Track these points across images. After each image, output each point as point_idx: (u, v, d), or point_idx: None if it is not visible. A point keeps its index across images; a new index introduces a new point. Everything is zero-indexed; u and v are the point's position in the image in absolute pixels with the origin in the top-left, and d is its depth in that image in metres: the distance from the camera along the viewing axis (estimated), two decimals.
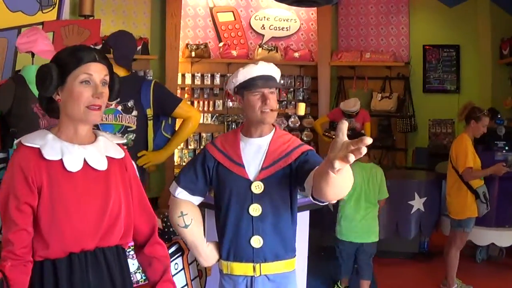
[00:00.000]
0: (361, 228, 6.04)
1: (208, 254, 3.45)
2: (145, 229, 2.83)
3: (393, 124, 10.91)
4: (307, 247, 4.91)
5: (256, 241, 3.29)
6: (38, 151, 2.46)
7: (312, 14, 11.35)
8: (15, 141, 2.52)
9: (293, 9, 11.17)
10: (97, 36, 7.03)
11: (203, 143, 10.80)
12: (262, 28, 11.31)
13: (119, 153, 2.69)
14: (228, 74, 10.76)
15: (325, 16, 11.09)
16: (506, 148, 7.25)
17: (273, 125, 3.44)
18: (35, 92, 4.20)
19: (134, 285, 3.85)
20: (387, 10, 11.23)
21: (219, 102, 10.93)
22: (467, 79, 10.69)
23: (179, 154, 10.85)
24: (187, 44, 10.75)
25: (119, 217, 2.59)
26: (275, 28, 11.32)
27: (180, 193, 3.42)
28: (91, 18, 8.98)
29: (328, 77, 11.14)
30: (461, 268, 6.54)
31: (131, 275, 3.80)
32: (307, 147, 3.35)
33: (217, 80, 10.87)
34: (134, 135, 4.83)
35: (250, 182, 3.30)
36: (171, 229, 4.31)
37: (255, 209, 3.28)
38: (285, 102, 10.95)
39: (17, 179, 2.42)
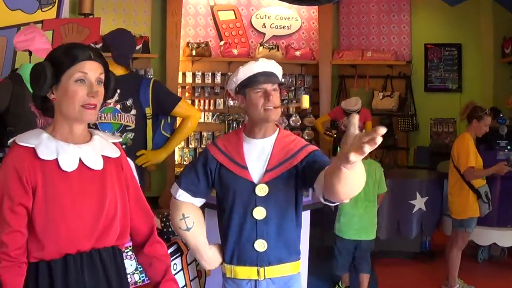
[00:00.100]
0: (360, 225, 6.02)
1: (210, 257, 3.39)
2: (143, 229, 2.79)
3: (395, 123, 10.90)
4: (308, 247, 4.88)
5: (260, 245, 3.22)
6: (33, 151, 2.42)
7: (313, 12, 11.34)
8: (9, 141, 2.48)
9: (294, 7, 11.16)
10: (96, 34, 7.00)
11: (204, 142, 10.79)
12: (263, 26, 11.29)
13: (115, 152, 2.65)
14: (229, 73, 10.76)
15: (327, 14, 11.08)
16: (508, 147, 7.22)
17: (277, 125, 3.37)
18: None
19: (132, 286, 3.84)
20: (389, 8, 11.22)
21: (220, 101, 10.91)
22: (469, 78, 10.68)
23: (180, 153, 10.84)
24: (187, 43, 10.73)
25: (115, 218, 2.55)
26: (276, 27, 11.31)
27: (182, 195, 3.34)
28: (90, 16, 8.96)
29: (329, 75, 11.15)
30: (463, 268, 6.51)
31: (129, 276, 3.79)
32: (313, 147, 3.28)
33: (218, 79, 10.86)
34: (133, 134, 4.80)
35: (254, 185, 3.22)
36: (170, 229, 4.29)
37: (259, 212, 3.21)
38: (286, 100, 10.94)
39: (11, 179, 2.38)
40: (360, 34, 11.43)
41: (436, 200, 7.52)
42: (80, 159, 2.49)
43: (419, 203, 7.36)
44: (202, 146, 10.73)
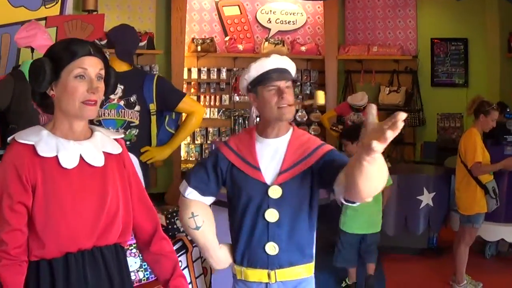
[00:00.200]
0: (365, 219, 6.02)
1: (220, 257, 3.29)
2: (147, 226, 2.75)
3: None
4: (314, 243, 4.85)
5: (271, 248, 3.14)
6: (32, 148, 2.39)
7: (318, 7, 11.30)
8: (9, 138, 2.46)
9: (299, 2, 11.16)
10: (101, 31, 6.98)
11: (210, 138, 10.77)
12: (268, 22, 11.24)
13: (117, 149, 2.62)
14: (235, 69, 10.75)
15: (332, 9, 11.03)
16: None
17: (290, 124, 3.27)
18: None
19: (137, 284, 3.81)
20: (394, 3, 11.16)
21: (225, 97, 10.88)
22: (476, 72, 10.62)
23: (186, 149, 10.82)
24: (193, 39, 10.70)
25: (117, 215, 2.52)
26: (281, 22, 11.26)
27: (191, 193, 3.24)
28: (94, 13, 8.93)
29: (335, 71, 11.10)
30: (470, 264, 6.46)
31: (134, 274, 3.76)
32: (329, 146, 3.18)
33: (224, 75, 10.83)
34: (137, 130, 4.78)
35: (267, 186, 3.12)
36: (175, 226, 4.27)
37: (271, 215, 3.11)
38: None
39: (10, 177, 2.36)
40: (366, 29, 11.38)
41: (443, 196, 7.48)
42: (80, 156, 2.46)
43: (426, 198, 7.32)
44: (208, 142, 10.71)
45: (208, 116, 10.70)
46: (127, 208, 2.60)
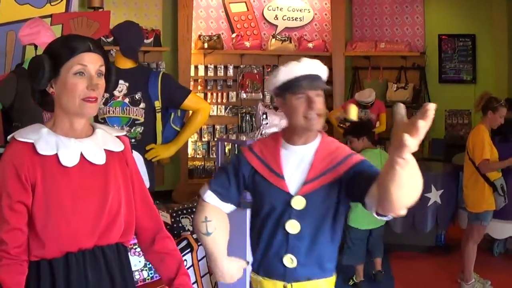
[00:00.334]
0: (371, 215, 6.00)
1: (226, 270, 3.05)
2: (150, 225, 2.70)
3: (409, 114, 10.72)
4: None
5: (289, 260, 2.93)
6: (32, 146, 2.36)
7: (325, 4, 11.29)
8: (9, 136, 2.43)
9: None
10: (106, 28, 6.96)
11: (217, 136, 10.76)
12: (275, 18, 11.23)
13: (118, 146, 2.58)
14: (242, 66, 10.75)
15: (339, 5, 11.01)
16: None
17: (319, 131, 3.03)
18: None
19: (141, 283, 3.79)
20: None
21: (232, 94, 10.87)
22: (483, 69, 10.59)
23: (193, 147, 10.83)
24: (199, 36, 10.69)
25: (119, 214, 2.49)
26: (288, 19, 11.25)
27: (209, 197, 3.04)
28: (100, 10, 8.92)
29: (342, 67, 11.08)
30: (478, 261, 6.43)
31: (138, 273, 3.74)
32: (359, 156, 2.96)
33: (230, 72, 10.83)
34: (142, 128, 4.75)
35: (291, 196, 2.90)
36: (179, 225, 4.24)
37: (292, 226, 2.90)
38: None
39: (9, 176, 2.33)
40: (373, 25, 11.35)
41: (451, 193, 7.44)
42: (81, 154, 2.43)
43: (434, 196, 7.28)
44: (215, 139, 10.68)
45: (215, 113, 10.71)
46: (129, 206, 2.56)
